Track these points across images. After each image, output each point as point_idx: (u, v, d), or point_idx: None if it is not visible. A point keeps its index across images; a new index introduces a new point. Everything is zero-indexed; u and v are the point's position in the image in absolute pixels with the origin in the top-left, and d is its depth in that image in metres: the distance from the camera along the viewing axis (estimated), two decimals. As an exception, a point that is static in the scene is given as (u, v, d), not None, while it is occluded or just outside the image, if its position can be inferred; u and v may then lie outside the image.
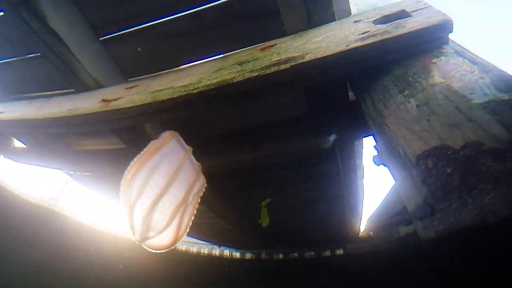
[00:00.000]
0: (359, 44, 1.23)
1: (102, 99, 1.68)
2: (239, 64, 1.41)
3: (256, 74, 1.28)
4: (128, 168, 0.92)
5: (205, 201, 3.01)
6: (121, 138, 2.08)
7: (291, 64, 1.25)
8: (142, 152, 0.95)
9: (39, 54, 1.92)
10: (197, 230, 4.65)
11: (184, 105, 1.43)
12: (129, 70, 2.03)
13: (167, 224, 0.83)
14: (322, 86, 1.66)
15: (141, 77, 1.98)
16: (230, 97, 1.39)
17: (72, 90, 2.04)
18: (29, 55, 2.04)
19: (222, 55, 1.74)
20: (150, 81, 1.69)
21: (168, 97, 1.43)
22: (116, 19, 1.77)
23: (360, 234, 6.04)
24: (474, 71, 1.12)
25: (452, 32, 1.29)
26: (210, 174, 1.87)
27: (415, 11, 1.39)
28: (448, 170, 0.82)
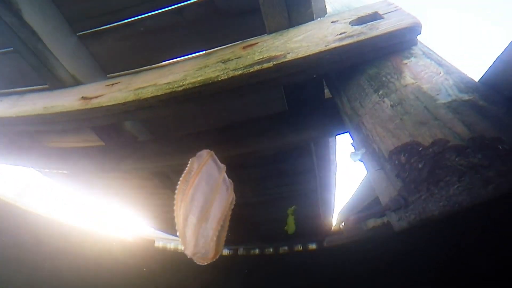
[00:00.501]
0: (337, 44, 1.30)
1: (82, 97, 1.64)
2: (223, 62, 1.44)
3: (240, 72, 1.31)
4: (177, 189, 0.97)
5: None
6: (99, 135, 2.05)
7: (274, 63, 1.29)
8: (186, 172, 1.00)
9: (11, 49, 1.83)
10: (174, 227, 4.63)
11: (169, 102, 1.44)
12: (108, 67, 1.99)
13: (211, 239, 0.89)
14: (300, 84, 1.72)
15: (121, 73, 1.95)
16: (214, 95, 1.41)
17: (46, 86, 1.97)
18: (1, 50, 1.93)
19: (204, 52, 1.75)
20: (131, 78, 1.67)
21: (152, 94, 1.42)
22: (93, 14, 1.73)
23: (332, 227, 6.28)
24: (440, 73, 1.22)
25: (420, 34, 1.38)
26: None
27: (387, 13, 1.47)
28: (420, 165, 0.91)
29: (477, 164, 0.85)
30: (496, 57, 1.23)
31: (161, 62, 1.85)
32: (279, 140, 1.81)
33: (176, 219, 0.90)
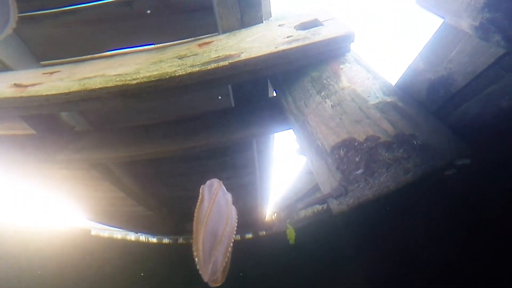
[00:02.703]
0: (286, 47, 1.39)
1: (14, 84, 1.47)
2: (179, 58, 1.43)
3: (198, 69, 1.33)
4: (195, 220, 0.96)
5: (125, 188, 2.87)
6: (31, 124, 1.84)
7: (229, 61, 1.34)
8: (199, 202, 0.99)
9: None
10: (115, 218, 4.35)
11: (119, 94, 1.39)
12: (42, 54, 1.82)
13: (221, 263, 0.93)
14: (247, 83, 1.79)
15: (57, 61, 1.76)
16: (169, 90, 1.40)
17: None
18: None
19: (154, 46, 1.69)
20: (74, 67, 1.55)
21: (101, 85, 1.35)
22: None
23: (267, 218, 6.63)
24: (369, 78, 1.42)
25: (353, 42, 1.56)
26: (133, 162, 1.80)
27: (325, 21, 1.62)
28: (357, 159, 1.06)
29: (400, 157, 1.04)
30: (408, 66, 1.49)
31: (105, 52, 1.72)
32: (226, 135, 1.85)
33: (195, 248, 0.94)
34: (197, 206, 0.94)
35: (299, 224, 4.72)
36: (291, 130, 1.77)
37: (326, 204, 1.24)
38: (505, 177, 0.93)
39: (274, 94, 2.00)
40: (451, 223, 0.87)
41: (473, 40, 1.06)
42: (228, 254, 0.93)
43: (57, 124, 2.01)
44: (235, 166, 3.02)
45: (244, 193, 3.88)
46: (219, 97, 1.92)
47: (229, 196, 1.07)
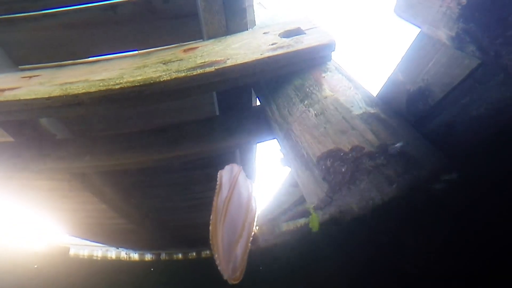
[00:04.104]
0: (271, 54, 1.41)
1: None
2: (164, 63, 1.41)
3: (183, 74, 1.31)
4: (213, 208, 0.83)
5: (107, 199, 2.77)
6: (9, 131, 1.76)
7: (215, 67, 1.33)
8: (217, 189, 0.85)
9: None
10: (95, 232, 4.17)
11: (103, 100, 1.35)
12: (20, 58, 1.76)
13: (242, 259, 0.81)
14: (232, 91, 1.78)
15: (37, 66, 1.69)
16: (154, 95, 1.37)
17: None
18: None
19: (138, 52, 1.65)
20: (54, 72, 1.50)
21: (84, 90, 1.31)
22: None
23: None
24: (351, 87, 1.44)
25: (334, 50, 1.59)
26: (115, 172, 1.74)
27: (308, 29, 1.64)
28: (343, 169, 1.07)
29: (381, 165, 1.05)
30: (388, 77, 1.53)
31: (87, 57, 1.66)
32: (211, 145, 1.83)
33: (213, 243, 0.82)
34: (215, 195, 0.84)
35: (282, 238, 4.67)
36: (275, 140, 1.78)
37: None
38: (481, 186, 0.97)
39: (258, 103, 2.00)
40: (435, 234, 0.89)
41: (449, 51, 1.10)
42: (247, 249, 0.84)
43: (37, 132, 1.93)
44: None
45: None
46: (204, 105, 1.90)
47: (250, 183, 0.96)
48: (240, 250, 0.83)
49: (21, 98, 1.36)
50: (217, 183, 0.90)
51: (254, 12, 1.78)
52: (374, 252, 0.96)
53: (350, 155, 1.09)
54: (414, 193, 0.93)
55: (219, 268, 0.80)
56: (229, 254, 0.80)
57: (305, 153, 1.27)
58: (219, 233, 0.82)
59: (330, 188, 1.09)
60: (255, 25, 1.81)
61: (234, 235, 0.84)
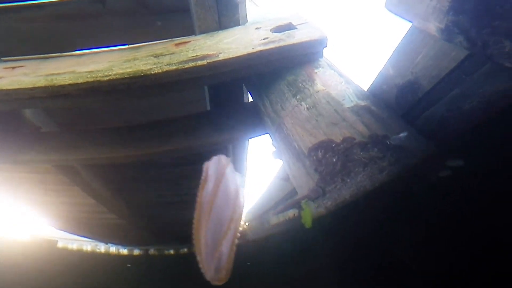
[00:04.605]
0: (262, 48, 1.41)
1: None
2: (155, 57, 1.40)
3: (175, 67, 1.30)
4: (197, 203, 0.76)
5: (96, 194, 2.72)
6: None
7: (207, 61, 1.33)
8: (202, 182, 0.78)
9: None
10: (84, 227, 4.09)
11: (90, 92, 1.32)
12: (3, 49, 1.69)
13: (227, 258, 0.75)
14: (224, 86, 1.78)
15: (21, 58, 1.65)
16: (143, 88, 1.36)
17: None
18: None
19: (128, 46, 1.63)
20: (39, 63, 1.47)
21: (70, 81, 1.29)
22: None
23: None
24: (342, 82, 1.45)
25: (326, 47, 1.60)
26: (104, 166, 1.71)
27: (299, 24, 1.65)
28: (334, 160, 1.07)
29: (375, 156, 1.06)
30: (378, 72, 1.55)
31: (74, 50, 1.63)
32: (203, 140, 1.82)
33: (196, 241, 0.76)
34: (199, 189, 0.79)
35: (270, 232, 4.66)
36: (267, 135, 1.77)
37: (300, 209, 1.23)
38: (469, 178, 0.99)
39: (250, 99, 2.00)
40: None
41: (438, 44, 1.12)
42: (234, 248, 0.79)
43: (21, 124, 1.88)
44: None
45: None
46: (196, 101, 1.89)
47: (238, 177, 0.89)
48: (226, 248, 0.78)
49: (3, 88, 1.32)
50: (203, 175, 0.85)
51: (246, 8, 1.78)
52: (365, 238, 0.96)
53: (341, 146, 1.10)
54: (405, 180, 0.94)
55: (200, 267, 0.75)
56: (212, 254, 0.76)
57: (296, 145, 1.27)
58: (203, 229, 0.77)
59: (321, 178, 1.10)
60: (247, 21, 1.81)
61: (219, 231, 0.79)
